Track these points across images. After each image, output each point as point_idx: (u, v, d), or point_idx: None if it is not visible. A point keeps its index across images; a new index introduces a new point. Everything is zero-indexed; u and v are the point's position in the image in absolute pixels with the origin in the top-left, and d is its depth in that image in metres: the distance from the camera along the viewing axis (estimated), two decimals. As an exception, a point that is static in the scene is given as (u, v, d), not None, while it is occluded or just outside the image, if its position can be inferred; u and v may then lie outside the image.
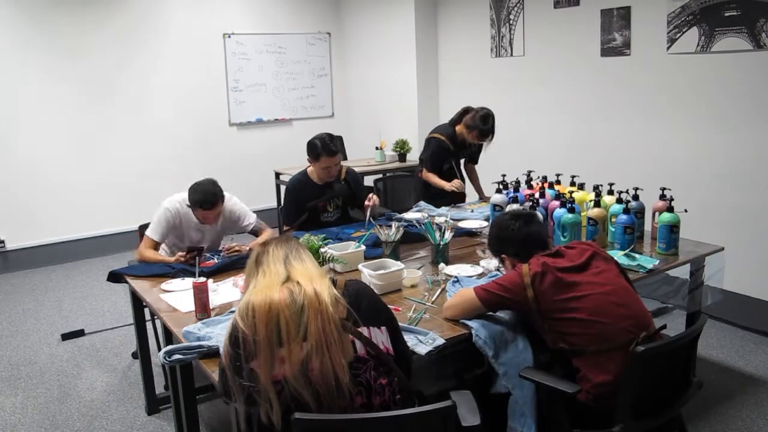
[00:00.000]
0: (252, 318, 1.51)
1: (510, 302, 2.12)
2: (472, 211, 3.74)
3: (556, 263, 2.10)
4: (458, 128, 3.98)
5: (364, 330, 1.60)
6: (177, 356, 1.97)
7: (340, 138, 6.03)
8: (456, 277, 2.58)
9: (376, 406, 1.55)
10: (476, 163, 4.34)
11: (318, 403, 1.48)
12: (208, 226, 3.22)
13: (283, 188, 4.24)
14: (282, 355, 1.48)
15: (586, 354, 2.00)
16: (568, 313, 2.03)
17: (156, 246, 3.14)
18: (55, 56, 5.40)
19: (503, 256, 2.31)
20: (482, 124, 3.83)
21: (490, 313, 2.21)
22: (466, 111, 3.98)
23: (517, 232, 2.27)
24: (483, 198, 4.25)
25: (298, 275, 1.60)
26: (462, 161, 4.27)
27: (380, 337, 1.64)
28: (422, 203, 3.92)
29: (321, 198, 3.54)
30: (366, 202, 3.45)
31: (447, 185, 3.96)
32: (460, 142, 4.01)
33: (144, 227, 3.39)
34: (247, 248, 3.09)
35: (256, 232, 3.36)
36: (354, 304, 1.62)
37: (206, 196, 3.01)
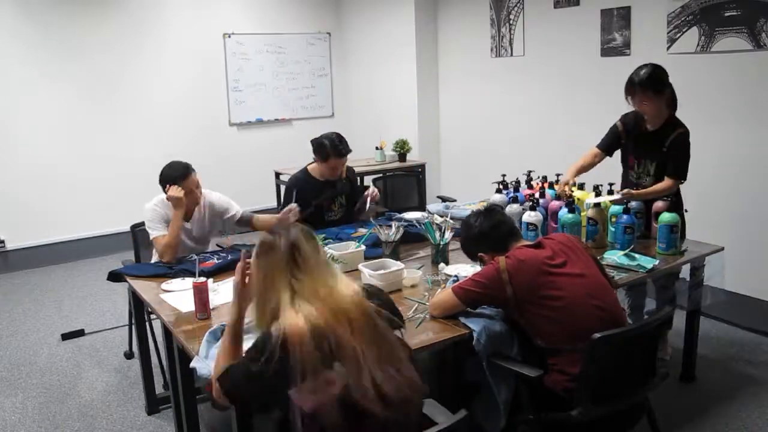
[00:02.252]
0: (299, 343, 1.44)
1: (487, 298, 2.14)
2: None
3: (536, 255, 2.10)
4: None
5: (398, 333, 1.63)
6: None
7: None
8: (456, 276, 2.58)
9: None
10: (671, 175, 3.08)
11: (386, 409, 1.46)
12: (191, 220, 3.21)
13: (283, 188, 4.24)
14: (331, 377, 1.44)
15: (563, 353, 2.03)
16: (544, 310, 2.04)
17: None
18: (55, 56, 5.40)
19: (480, 255, 2.30)
20: (632, 73, 3.02)
21: (479, 309, 2.23)
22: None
23: (483, 227, 2.28)
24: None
25: (335, 288, 1.55)
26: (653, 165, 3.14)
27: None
28: None
29: (324, 196, 3.55)
30: (367, 192, 3.46)
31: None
32: (635, 122, 3.17)
33: (135, 227, 3.41)
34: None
35: (247, 221, 3.32)
36: (383, 306, 1.63)
37: (178, 168, 3.06)
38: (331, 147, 3.38)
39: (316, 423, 1.46)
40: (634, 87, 2.99)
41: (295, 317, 1.47)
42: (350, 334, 1.45)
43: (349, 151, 3.46)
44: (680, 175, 3.06)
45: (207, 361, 1.96)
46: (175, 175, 3.05)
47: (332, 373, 1.44)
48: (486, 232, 2.27)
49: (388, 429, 1.47)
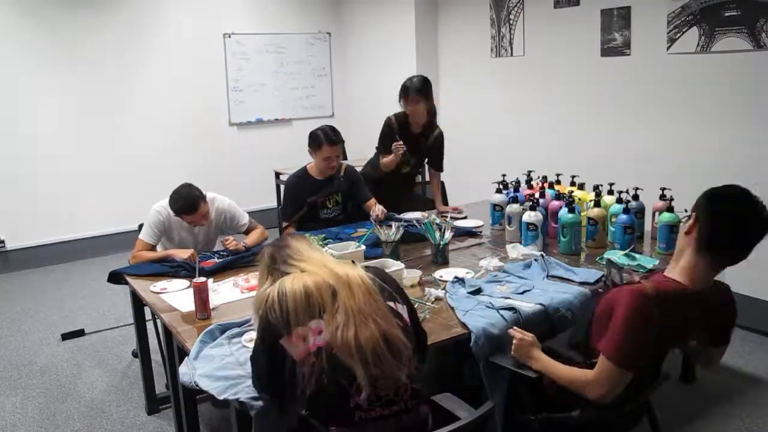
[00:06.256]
0: (285, 298, 1.59)
1: (651, 345, 1.78)
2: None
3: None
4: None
5: (391, 304, 1.70)
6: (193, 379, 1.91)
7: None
8: (456, 276, 2.58)
9: (406, 377, 1.61)
10: (439, 169, 4.06)
11: (367, 369, 1.53)
12: (199, 227, 3.24)
13: (283, 188, 4.24)
14: (318, 327, 1.56)
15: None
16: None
17: (150, 249, 3.18)
18: (55, 57, 5.40)
19: (690, 221, 1.76)
20: (404, 82, 3.70)
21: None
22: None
23: (754, 229, 1.68)
24: (441, 211, 3.82)
25: (328, 260, 1.72)
26: (426, 165, 4.15)
27: (403, 312, 1.73)
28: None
29: (318, 194, 3.54)
30: (372, 213, 3.45)
31: (390, 157, 3.76)
32: (406, 122, 3.82)
33: (142, 226, 3.41)
34: (243, 245, 3.09)
35: (248, 231, 3.37)
36: (382, 281, 1.74)
37: (186, 202, 3.04)
38: (324, 135, 3.41)
39: (300, 373, 1.54)
40: (408, 92, 3.65)
41: (291, 279, 1.63)
42: (343, 289, 1.60)
43: (342, 140, 3.47)
44: (441, 167, 4.04)
45: (194, 362, 1.96)
46: (182, 208, 3.04)
47: (320, 322, 1.56)
48: (748, 236, 1.69)
49: (373, 389, 1.54)
